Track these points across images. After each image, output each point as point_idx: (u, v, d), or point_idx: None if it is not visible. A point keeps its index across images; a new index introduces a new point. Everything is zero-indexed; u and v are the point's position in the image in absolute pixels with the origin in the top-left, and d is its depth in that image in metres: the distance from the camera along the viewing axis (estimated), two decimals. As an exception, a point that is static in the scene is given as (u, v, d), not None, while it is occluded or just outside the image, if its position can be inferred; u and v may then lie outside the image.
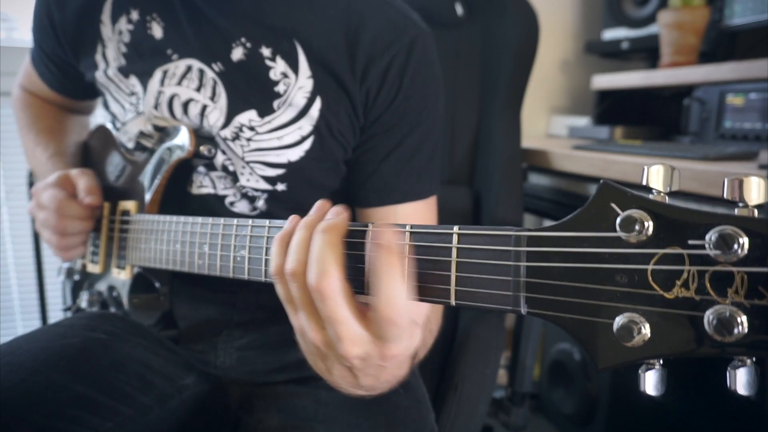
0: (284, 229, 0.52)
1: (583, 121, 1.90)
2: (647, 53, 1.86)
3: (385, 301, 0.44)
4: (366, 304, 0.48)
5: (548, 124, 2.12)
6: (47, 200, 0.85)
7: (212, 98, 0.82)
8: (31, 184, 1.27)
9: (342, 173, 0.87)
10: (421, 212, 0.85)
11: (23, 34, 1.83)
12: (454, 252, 0.43)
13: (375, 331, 0.46)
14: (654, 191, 0.34)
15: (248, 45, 0.80)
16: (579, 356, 1.69)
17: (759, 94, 1.30)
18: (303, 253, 0.48)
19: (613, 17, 1.88)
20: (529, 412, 1.24)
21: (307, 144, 0.82)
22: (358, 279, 0.48)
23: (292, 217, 0.53)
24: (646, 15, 1.77)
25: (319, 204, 0.53)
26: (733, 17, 1.46)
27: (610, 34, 1.89)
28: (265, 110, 0.81)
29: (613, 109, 1.82)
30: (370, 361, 0.49)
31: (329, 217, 0.49)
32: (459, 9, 1.32)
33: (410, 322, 0.47)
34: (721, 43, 1.55)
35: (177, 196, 0.86)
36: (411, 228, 0.46)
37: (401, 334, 0.46)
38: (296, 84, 0.80)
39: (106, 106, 0.93)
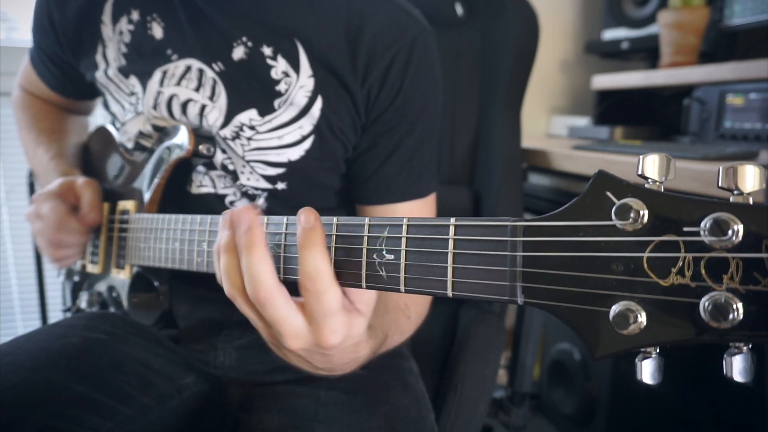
0: (219, 240, 0.54)
1: (583, 121, 1.90)
2: (647, 53, 1.87)
3: (307, 273, 0.48)
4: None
5: (548, 124, 2.12)
6: (47, 212, 0.85)
7: (211, 98, 0.82)
8: (31, 184, 1.27)
9: (342, 171, 0.87)
10: (419, 210, 0.85)
11: (23, 34, 1.83)
12: (450, 244, 0.43)
13: (308, 314, 0.49)
14: (650, 180, 0.34)
15: (249, 44, 0.80)
16: (579, 356, 1.68)
17: (759, 94, 1.29)
18: (235, 276, 0.51)
19: (613, 17, 1.88)
20: (529, 412, 1.24)
21: (307, 143, 0.82)
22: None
23: (223, 223, 0.54)
24: (646, 15, 1.77)
25: (224, 220, 0.53)
26: (733, 17, 1.46)
27: (610, 34, 1.89)
28: (266, 109, 0.81)
29: (613, 109, 1.82)
30: (313, 350, 0.52)
31: (244, 229, 0.50)
32: (459, 9, 1.32)
33: (341, 307, 0.50)
34: (721, 43, 1.56)
35: (176, 195, 0.86)
36: (408, 221, 0.46)
37: (332, 318, 0.49)
38: (297, 83, 0.80)
39: (106, 106, 0.93)
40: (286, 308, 0.49)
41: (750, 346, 0.31)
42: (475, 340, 1.10)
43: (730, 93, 1.37)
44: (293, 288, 0.52)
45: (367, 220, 0.49)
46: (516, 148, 1.28)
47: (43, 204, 0.86)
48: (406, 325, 0.75)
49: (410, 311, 0.76)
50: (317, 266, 0.48)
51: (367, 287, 0.49)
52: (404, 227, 0.46)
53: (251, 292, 0.49)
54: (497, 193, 1.24)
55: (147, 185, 0.86)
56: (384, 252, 0.47)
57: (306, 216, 0.49)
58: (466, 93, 1.33)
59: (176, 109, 0.84)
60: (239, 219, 0.50)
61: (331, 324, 0.49)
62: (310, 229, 0.48)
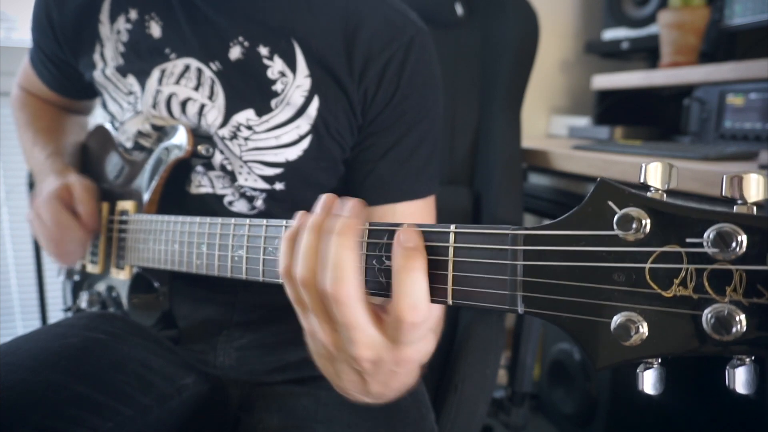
0: (293, 227, 0.49)
1: (583, 121, 1.90)
2: (647, 53, 1.86)
3: (409, 305, 0.42)
4: (381, 306, 0.47)
5: (548, 124, 2.12)
6: (47, 216, 0.85)
7: (210, 97, 0.82)
8: (31, 184, 1.27)
9: (340, 173, 0.87)
10: (419, 212, 0.85)
11: (23, 34, 1.82)
12: (450, 251, 0.43)
13: (391, 334, 0.45)
14: (652, 189, 0.34)
15: (246, 44, 0.80)
16: (579, 356, 1.68)
17: (759, 94, 1.29)
18: (312, 259, 0.45)
19: (613, 17, 1.88)
20: (529, 412, 1.24)
21: (305, 143, 0.82)
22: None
23: (301, 214, 0.50)
24: (646, 15, 1.77)
25: (325, 201, 0.49)
26: (733, 17, 1.46)
27: (610, 34, 1.89)
28: (263, 109, 0.81)
29: (613, 109, 1.82)
30: (382, 366, 0.47)
31: (345, 215, 0.46)
32: (459, 9, 1.32)
33: (428, 328, 0.46)
34: (721, 43, 1.55)
35: (175, 195, 0.86)
36: (408, 227, 0.45)
37: (419, 339, 0.45)
38: (294, 83, 0.80)
39: (104, 105, 0.93)
40: (364, 315, 0.45)
41: (753, 358, 0.31)
42: (475, 340, 1.10)
43: (730, 93, 1.36)
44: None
45: (366, 224, 0.48)
46: (516, 148, 1.28)
47: (42, 208, 0.86)
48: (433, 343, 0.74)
49: (438, 329, 0.74)
50: (420, 296, 0.42)
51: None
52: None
53: (330, 283, 0.43)
54: (497, 193, 1.23)
55: (146, 186, 0.86)
56: (384, 258, 0.47)
57: (407, 234, 0.44)
58: (466, 93, 1.33)
59: (175, 108, 0.84)
60: (344, 203, 0.46)
61: (417, 345, 0.46)
62: (413, 250, 0.43)
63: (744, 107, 1.33)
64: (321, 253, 0.45)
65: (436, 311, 0.48)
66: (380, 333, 0.45)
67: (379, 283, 0.47)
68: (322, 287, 0.44)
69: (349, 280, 0.43)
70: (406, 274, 0.42)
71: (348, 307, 0.44)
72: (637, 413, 1.53)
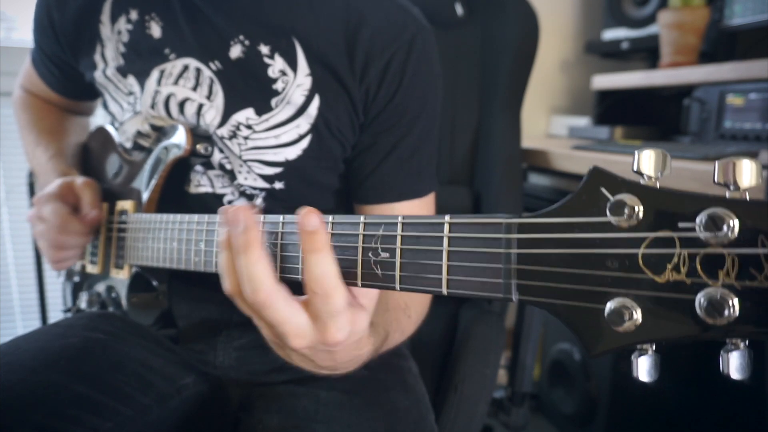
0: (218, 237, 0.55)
1: (583, 121, 1.90)
2: (647, 53, 1.87)
3: (313, 278, 0.47)
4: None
5: (548, 124, 2.12)
6: (49, 214, 0.84)
7: (208, 97, 0.82)
8: (31, 184, 1.27)
9: (340, 171, 0.87)
10: (419, 210, 0.85)
11: (23, 34, 1.83)
12: (445, 241, 0.43)
13: (312, 312, 0.49)
14: (645, 176, 0.34)
15: (246, 43, 0.80)
16: (579, 356, 1.68)
17: (759, 94, 1.29)
18: (232, 274, 0.50)
19: (613, 17, 1.88)
20: (529, 412, 1.24)
21: (304, 142, 0.82)
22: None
23: (221, 221, 0.53)
24: (646, 15, 1.77)
25: (224, 217, 0.51)
26: (733, 17, 1.46)
27: (610, 34, 1.89)
28: (263, 108, 0.81)
29: (613, 109, 1.82)
30: (316, 348, 0.51)
31: (239, 228, 0.48)
32: (459, 9, 1.32)
33: (347, 305, 0.49)
34: (721, 43, 1.55)
35: (175, 195, 0.86)
36: (403, 219, 0.46)
37: (338, 317, 0.48)
38: (294, 82, 0.80)
39: (105, 106, 0.93)
40: (287, 309, 0.48)
41: (747, 342, 0.31)
42: (475, 340, 1.10)
43: (730, 93, 1.36)
44: (294, 286, 0.51)
45: (362, 218, 0.49)
46: (516, 148, 1.28)
47: (44, 206, 0.85)
48: (406, 324, 0.75)
49: (410, 310, 0.76)
50: (323, 269, 0.47)
51: (363, 286, 0.48)
52: (399, 225, 0.46)
53: (249, 295, 0.48)
54: (497, 193, 1.24)
55: (145, 185, 0.86)
56: (379, 250, 0.47)
57: (307, 218, 0.47)
58: (466, 93, 1.33)
59: (174, 109, 0.84)
60: (235, 218, 0.48)
61: (337, 322, 0.49)
62: (313, 233, 0.47)
63: (744, 107, 1.33)
64: (237, 269, 0.49)
65: (370, 293, 0.53)
66: (306, 316, 0.49)
67: (375, 275, 0.48)
68: (245, 298, 0.49)
69: (264, 287, 0.47)
70: (310, 254, 0.47)
71: (269, 309, 0.48)
72: (637, 413, 1.52)
